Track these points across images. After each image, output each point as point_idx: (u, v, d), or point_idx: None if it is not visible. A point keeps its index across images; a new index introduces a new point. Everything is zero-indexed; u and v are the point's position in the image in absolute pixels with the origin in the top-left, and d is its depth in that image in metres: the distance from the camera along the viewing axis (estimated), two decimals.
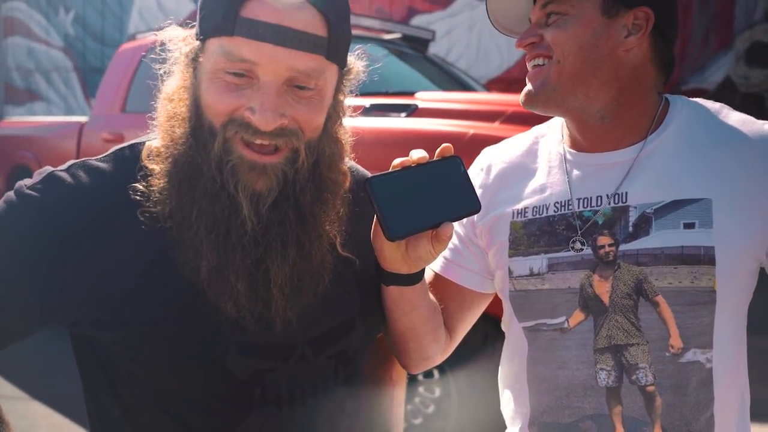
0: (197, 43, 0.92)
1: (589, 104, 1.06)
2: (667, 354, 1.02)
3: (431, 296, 1.14)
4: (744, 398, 1.09)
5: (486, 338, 2.65)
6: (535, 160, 1.16)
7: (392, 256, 0.98)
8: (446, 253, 1.19)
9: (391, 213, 0.90)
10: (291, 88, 0.90)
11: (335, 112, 0.97)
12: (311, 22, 0.88)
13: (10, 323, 0.90)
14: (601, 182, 1.08)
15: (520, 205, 1.13)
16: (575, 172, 1.10)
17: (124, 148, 1.00)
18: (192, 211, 0.89)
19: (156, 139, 0.98)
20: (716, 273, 1.00)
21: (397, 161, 0.94)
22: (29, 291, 0.88)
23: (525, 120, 2.92)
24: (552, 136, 1.18)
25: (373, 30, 4.64)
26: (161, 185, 0.92)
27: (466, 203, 0.97)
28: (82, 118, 5.21)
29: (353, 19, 1.01)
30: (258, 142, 0.89)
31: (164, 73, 0.97)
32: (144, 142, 1.00)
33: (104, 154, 0.99)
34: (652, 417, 1.02)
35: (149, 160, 0.95)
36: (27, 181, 0.95)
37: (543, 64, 1.06)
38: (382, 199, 0.90)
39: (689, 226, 1.01)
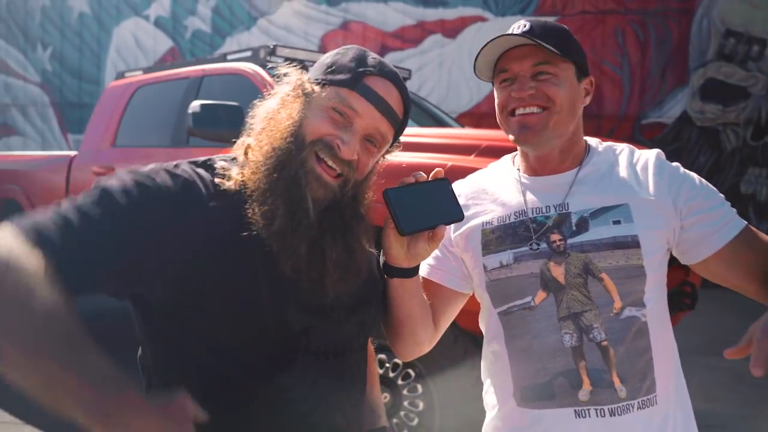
0: (315, 85, 1.21)
1: (559, 142, 1.41)
2: (612, 314, 1.32)
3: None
4: (674, 348, 1.41)
5: (465, 352, 2.89)
6: (495, 185, 1.49)
7: (397, 253, 1.27)
8: (431, 261, 1.50)
9: (402, 214, 1.19)
10: (365, 141, 1.22)
11: (376, 165, 1.29)
12: (398, 105, 1.24)
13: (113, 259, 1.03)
14: (550, 196, 1.41)
15: (487, 218, 1.45)
16: (529, 190, 1.44)
17: (195, 160, 1.24)
18: (277, 185, 1.15)
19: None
20: (642, 254, 1.33)
21: (405, 179, 1.24)
22: (135, 242, 1.05)
23: (496, 153, 3.16)
24: (506, 167, 1.52)
25: None
26: (258, 170, 1.17)
27: (454, 212, 1.26)
28: (71, 153, 5.34)
29: None
30: (330, 163, 1.18)
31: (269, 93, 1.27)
32: (213, 157, 1.25)
33: (180, 161, 1.21)
34: (609, 365, 1.31)
35: (247, 152, 1.22)
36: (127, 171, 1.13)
37: (538, 112, 1.38)
38: (396, 204, 1.19)
39: (617, 222, 1.36)
